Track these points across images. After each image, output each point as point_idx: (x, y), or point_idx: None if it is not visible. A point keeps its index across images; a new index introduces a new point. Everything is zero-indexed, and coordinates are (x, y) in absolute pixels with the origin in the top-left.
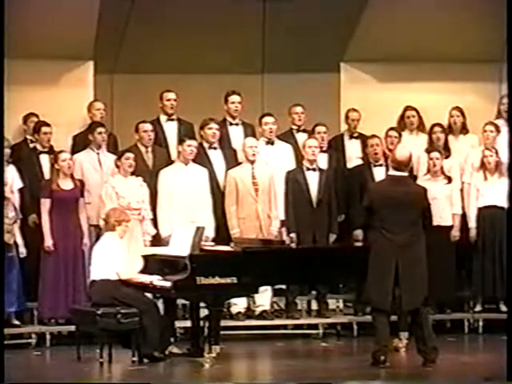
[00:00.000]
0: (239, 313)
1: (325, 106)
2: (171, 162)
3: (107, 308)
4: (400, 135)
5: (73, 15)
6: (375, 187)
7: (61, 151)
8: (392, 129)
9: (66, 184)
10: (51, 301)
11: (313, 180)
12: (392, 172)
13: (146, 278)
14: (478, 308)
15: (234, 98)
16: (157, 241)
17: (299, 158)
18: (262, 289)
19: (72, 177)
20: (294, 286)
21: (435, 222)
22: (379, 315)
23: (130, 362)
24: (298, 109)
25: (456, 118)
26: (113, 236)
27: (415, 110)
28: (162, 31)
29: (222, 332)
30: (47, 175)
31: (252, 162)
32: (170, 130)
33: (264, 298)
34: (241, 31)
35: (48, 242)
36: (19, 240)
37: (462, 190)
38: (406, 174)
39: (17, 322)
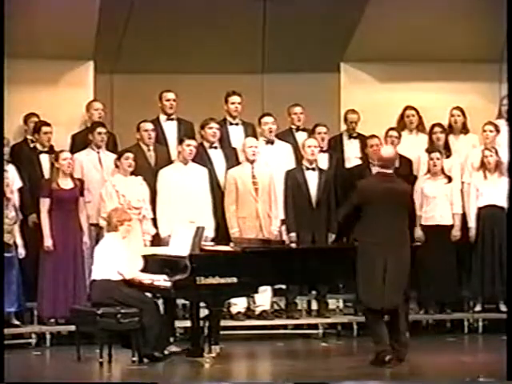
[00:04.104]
0: (239, 313)
1: (325, 106)
2: (172, 162)
3: (107, 308)
4: (400, 135)
5: (73, 15)
6: (363, 185)
7: (62, 150)
8: (392, 129)
9: (66, 183)
10: (51, 300)
11: (312, 180)
12: (379, 169)
13: (149, 278)
14: (478, 308)
15: (234, 98)
16: (156, 240)
17: (299, 157)
18: (262, 289)
19: (72, 176)
20: (293, 286)
21: (435, 222)
22: (373, 315)
23: (130, 362)
24: (297, 109)
25: (457, 118)
26: (115, 236)
27: (415, 109)
28: (161, 31)
29: (221, 332)
30: (47, 175)
31: (252, 162)
32: (170, 129)
33: (264, 297)
34: (241, 31)
35: (47, 241)
36: (19, 241)
37: (462, 190)
38: (391, 171)
39: (17, 322)
